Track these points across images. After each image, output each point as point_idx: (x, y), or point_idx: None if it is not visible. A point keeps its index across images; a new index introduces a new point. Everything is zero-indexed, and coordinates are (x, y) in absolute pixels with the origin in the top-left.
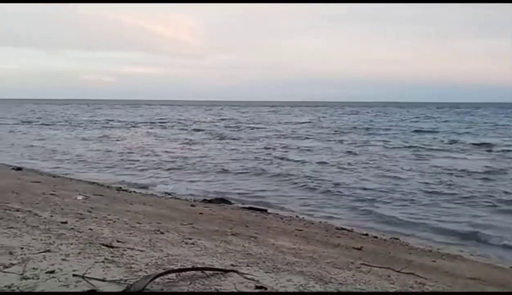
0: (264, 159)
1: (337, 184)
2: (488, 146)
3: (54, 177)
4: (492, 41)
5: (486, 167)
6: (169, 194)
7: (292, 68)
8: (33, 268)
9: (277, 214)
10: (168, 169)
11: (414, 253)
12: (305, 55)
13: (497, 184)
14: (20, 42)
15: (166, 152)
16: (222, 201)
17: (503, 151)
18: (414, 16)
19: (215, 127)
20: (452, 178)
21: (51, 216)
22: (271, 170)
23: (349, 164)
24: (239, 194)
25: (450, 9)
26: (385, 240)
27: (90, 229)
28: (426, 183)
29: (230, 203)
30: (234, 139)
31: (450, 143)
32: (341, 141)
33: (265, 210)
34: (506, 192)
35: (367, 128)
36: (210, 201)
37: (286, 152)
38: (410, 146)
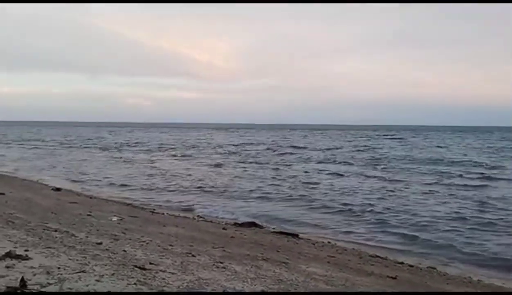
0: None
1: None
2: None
3: (91, 198)
4: None
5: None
6: (202, 217)
7: (328, 92)
8: (69, 288)
9: (309, 239)
10: (206, 192)
11: (452, 283)
12: (340, 79)
13: None
14: (63, 67)
15: (202, 175)
16: (253, 224)
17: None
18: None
19: (256, 152)
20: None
21: (87, 237)
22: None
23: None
24: (272, 218)
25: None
26: (421, 269)
27: (124, 251)
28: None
29: (261, 227)
30: (265, 163)
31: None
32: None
33: (297, 235)
34: None
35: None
36: (241, 225)
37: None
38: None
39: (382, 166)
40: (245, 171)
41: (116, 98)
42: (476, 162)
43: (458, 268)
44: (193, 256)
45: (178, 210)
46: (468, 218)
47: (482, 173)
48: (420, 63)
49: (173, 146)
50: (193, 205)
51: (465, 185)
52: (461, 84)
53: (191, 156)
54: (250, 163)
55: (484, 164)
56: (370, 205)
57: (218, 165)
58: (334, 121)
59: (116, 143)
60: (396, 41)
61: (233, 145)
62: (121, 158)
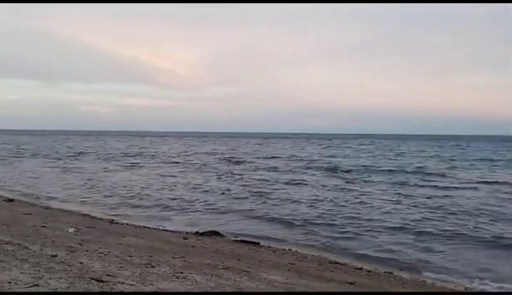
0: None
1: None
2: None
3: (46, 208)
4: (485, 76)
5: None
6: (162, 227)
7: (293, 101)
8: None
9: (270, 247)
10: (162, 205)
11: (408, 287)
12: (304, 87)
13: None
14: (19, 73)
15: (151, 184)
16: (214, 233)
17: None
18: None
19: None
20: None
21: (41, 249)
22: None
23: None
24: (230, 228)
25: (450, 44)
26: (378, 274)
27: (81, 263)
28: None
29: (222, 236)
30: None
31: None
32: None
33: (258, 243)
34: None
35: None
36: (202, 234)
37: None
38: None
39: (340, 174)
40: (206, 181)
41: (74, 106)
42: (431, 169)
43: (414, 272)
44: (152, 266)
45: (138, 220)
46: (420, 224)
47: (436, 181)
48: (381, 73)
49: (127, 155)
50: (155, 215)
51: (419, 193)
52: (421, 94)
53: (138, 164)
54: (207, 171)
55: (438, 172)
56: (328, 212)
57: (171, 175)
58: (298, 129)
59: (69, 152)
60: (358, 51)
61: (189, 154)
62: (77, 167)
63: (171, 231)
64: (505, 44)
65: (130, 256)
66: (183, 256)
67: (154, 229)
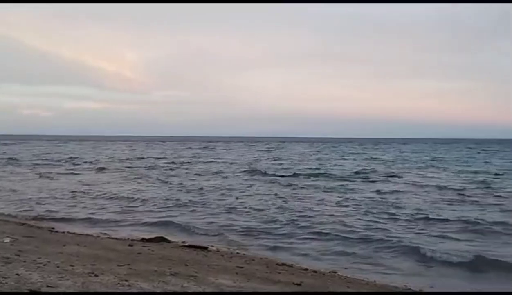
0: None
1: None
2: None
3: None
4: (436, 82)
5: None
6: (106, 234)
7: (243, 105)
8: None
9: (218, 251)
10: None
11: (352, 286)
12: (255, 92)
13: None
14: None
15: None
16: (161, 239)
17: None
18: (364, 56)
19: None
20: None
21: None
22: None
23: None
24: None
25: (398, 52)
26: (323, 274)
27: (17, 274)
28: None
29: (169, 242)
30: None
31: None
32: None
33: (206, 247)
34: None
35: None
36: (149, 240)
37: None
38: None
39: (288, 178)
40: (147, 187)
41: (12, 109)
42: (377, 171)
43: (357, 271)
44: (96, 275)
45: (80, 228)
46: (363, 226)
47: (381, 183)
48: (330, 78)
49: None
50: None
51: (362, 195)
52: (369, 99)
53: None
54: (149, 177)
55: (385, 173)
56: (273, 215)
57: (110, 182)
58: (247, 133)
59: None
60: (308, 56)
61: (131, 159)
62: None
63: (116, 239)
64: (446, 51)
65: (71, 266)
66: (128, 264)
67: (98, 236)
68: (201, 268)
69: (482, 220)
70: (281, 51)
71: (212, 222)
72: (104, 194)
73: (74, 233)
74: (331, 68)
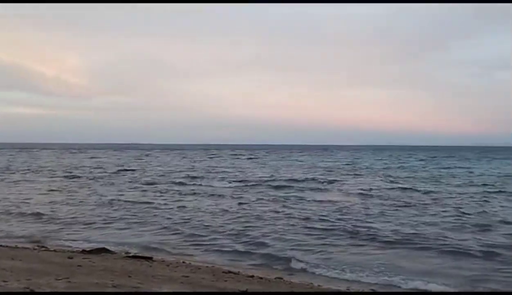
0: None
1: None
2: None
3: None
4: (376, 90)
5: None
6: (44, 246)
7: (189, 112)
8: None
9: (163, 261)
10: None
11: (296, 291)
12: (201, 99)
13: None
14: None
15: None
16: (103, 250)
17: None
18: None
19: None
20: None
21: None
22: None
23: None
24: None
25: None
26: (269, 280)
27: None
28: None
29: (112, 252)
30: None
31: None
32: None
33: (150, 258)
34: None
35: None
36: (89, 252)
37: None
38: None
39: (228, 185)
40: (87, 195)
41: None
42: (315, 179)
43: (301, 277)
44: (32, 291)
45: (15, 241)
46: (303, 230)
47: (319, 188)
48: (276, 86)
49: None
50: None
51: (300, 202)
52: (313, 107)
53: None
54: (88, 185)
55: (321, 180)
56: (216, 222)
57: (51, 190)
58: (195, 141)
59: None
60: (254, 64)
61: (69, 167)
62: None
63: (54, 251)
64: (383, 62)
65: (4, 281)
66: (67, 277)
67: (35, 249)
68: (145, 278)
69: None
70: (226, 57)
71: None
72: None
73: (7, 246)
74: (274, 76)
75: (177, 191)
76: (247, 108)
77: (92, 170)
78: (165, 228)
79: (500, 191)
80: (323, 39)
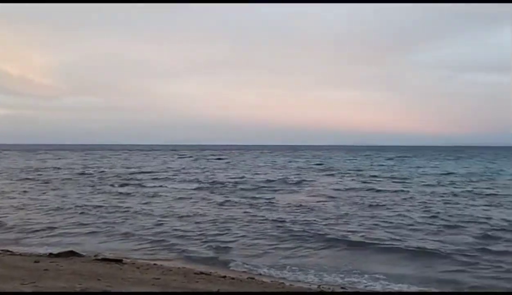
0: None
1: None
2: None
3: None
4: (346, 92)
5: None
6: (8, 251)
7: (162, 113)
8: None
9: (134, 263)
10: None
11: (269, 290)
12: (174, 99)
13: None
14: None
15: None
16: (71, 253)
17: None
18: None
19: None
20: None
21: None
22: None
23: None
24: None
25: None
26: (241, 280)
27: None
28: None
29: (80, 256)
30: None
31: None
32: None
33: (120, 260)
34: None
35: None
36: (57, 255)
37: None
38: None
39: (196, 186)
40: (56, 198)
41: None
42: (285, 180)
43: (271, 276)
44: None
45: None
46: (268, 233)
47: (289, 190)
48: (248, 86)
49: None
50: None
51: (268, 204)
52: (283, 107)
53: None
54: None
55: (291, 181)
56: (188, 227)
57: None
58: (165, 141)
59: None
60: (227, 64)
61: (33, 170)
62: None
63: (20, 255)
64: (353, 65)
65: None
66: (34, 282)
67: None
68: (115, 281)
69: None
70: (197, 57)
71: (127, 233)
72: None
73: None
74: (245, 76)
75: (145, 193)
76: (217, 108)
77: (55, 172)
78: (133, 231)
79: (467, 191)
80: (293, 40)
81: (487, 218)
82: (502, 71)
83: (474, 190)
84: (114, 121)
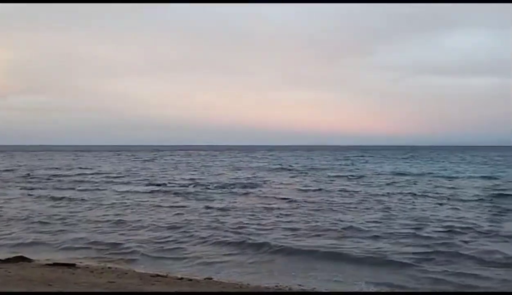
0: None
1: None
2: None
3: None
4: (304, 92)
5: None
6: None
7: (115, 112)
8: None
9: (87, 267)
10: None
11: (226, 289)
12: (128, 99)
13: None
14: None
15: None
16: (20, 259)
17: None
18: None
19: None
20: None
21: None
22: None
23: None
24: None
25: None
26: (198, 281)
27: None
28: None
29: (30, 260)
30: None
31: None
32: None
33: (73, 265)
34: None
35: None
36: (5, 261)
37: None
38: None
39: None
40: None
41: None
42: (239, 182)
43: (231, 275)
44: None
45: None
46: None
47: (241, 193)
48: (207, 87)
49: None
50: None
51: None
52: (243, 107)
53: None
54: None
55: (244, 184)
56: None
57: None
58: (120, 142)
59: None
60: (185, 64)
61: None
62: None
63: None
64: (310, 65)
65: None
66: None
67: None
68: (67, 286)
69: None
70: (153, 57)
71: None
72: None
73: None
74: (204, 76)
75: (92, 198)
76: (176, 108)
77: None
78: (85, 235)
79: (423, 191)
80: (252, 40)
81: (439, 220)
82: (452, 73)
83: (428, 190)
84: (65, 121)
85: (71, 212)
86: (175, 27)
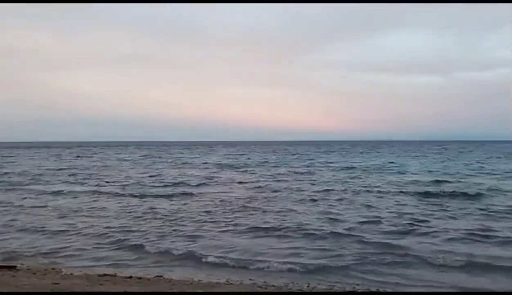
0: None
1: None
2: None
3: None
4: (258, 90)
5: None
6: None
7: (57, 107)
8: None
9: (29, 269)
10: None
11: (176, 288)
12: (72, 94)
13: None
14: None
15: None
16: None
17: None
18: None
19: None
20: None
21: None
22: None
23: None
24: None
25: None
26: (149, 279)
27: None
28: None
29: None
30: None
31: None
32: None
33: (14, 267)
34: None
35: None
36: None
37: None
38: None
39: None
40: None
41: None
42: (187, 181)
43: (181, 273)
44: None
45: None
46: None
47: (189, 193)
48: (153, 82)
49: None
50: None
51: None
52: (193, 104)
53: None
54: None
55: (193, 183)
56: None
57: None
58: (65, 138)
59: None
60: (130, 59)
61: None
62: None
63: None
64: (270, 64)
65: None
66: None
67: None
68: (8, 289)
69: None
70: (101, 51)
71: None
72: None
73: None
74: (153, 71)
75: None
76: (124, 104)
77: None
78: (28, 234)
79: (377, 187)
80: (204, 38)
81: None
82: (396, 71)
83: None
84: (7, 117)
85: None
86: (124, 24)
